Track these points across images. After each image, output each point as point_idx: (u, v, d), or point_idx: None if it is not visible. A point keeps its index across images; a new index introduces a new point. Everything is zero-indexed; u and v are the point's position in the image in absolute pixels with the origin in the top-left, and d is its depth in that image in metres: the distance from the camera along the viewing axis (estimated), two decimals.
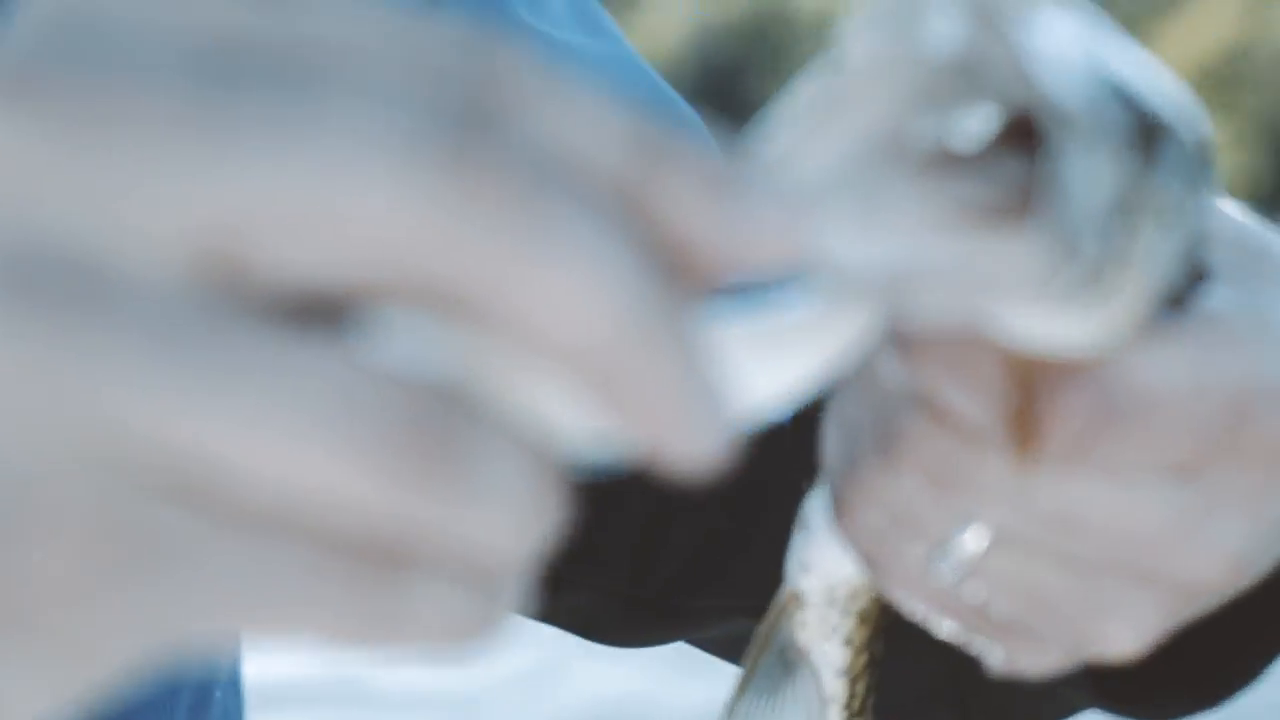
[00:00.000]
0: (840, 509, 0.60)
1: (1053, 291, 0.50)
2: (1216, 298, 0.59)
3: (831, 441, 0.61)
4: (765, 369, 0.46)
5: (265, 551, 0.36)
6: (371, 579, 0.36)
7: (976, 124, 0.53)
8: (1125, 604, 0.59)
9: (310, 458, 0.36)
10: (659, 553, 0.87)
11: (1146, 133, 0.53)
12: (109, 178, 0.37)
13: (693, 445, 0.39)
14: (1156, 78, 0.56)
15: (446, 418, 0.36)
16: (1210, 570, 0.58)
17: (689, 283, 0.40)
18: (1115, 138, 0.52)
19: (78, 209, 0.37)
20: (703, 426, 0.39)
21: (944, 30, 0.49)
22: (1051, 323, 0.53)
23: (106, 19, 0.38)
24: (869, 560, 0.60)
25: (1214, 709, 0.72)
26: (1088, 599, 0.58)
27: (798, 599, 0.68)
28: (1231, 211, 0.63)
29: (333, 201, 0.36)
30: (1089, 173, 0.51)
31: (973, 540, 0.59)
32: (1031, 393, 0.56)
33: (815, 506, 0.66)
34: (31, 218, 0.37)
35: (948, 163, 0.52)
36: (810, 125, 0.50)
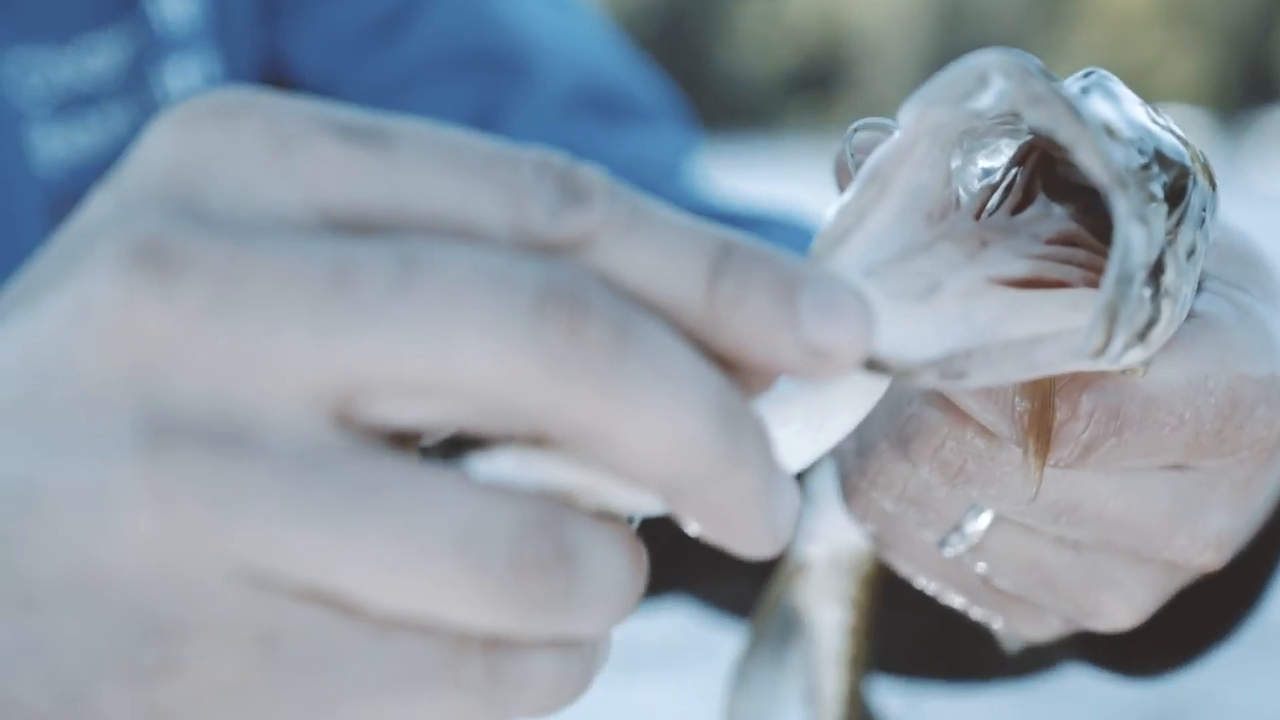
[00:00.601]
0: (852, 491, 0.62)
1: (1107, 355, 0.51)
2: (1209, 303, 0.61)
3: None
4: (807, 439, 0.49)
5: (404, 646, 0.40)
6: (495, 663, 0.41)
7: (1019, 186, 0.56)
8: (1120, 581, 0.62)
9: (436, 586, 0.40)
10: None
11: (1177, 186, 0.55)
12: (240, 346, 0.40)
13: (764, 543, 0.43)
14: (1169, 121, 0.58)
15: (553, 528, 0.41)
16: (1200, 552, 0.61)
17: (760, 386, 0.45)
18: (1160, 198, 0.53)
19: (212, 374, 0.40)
20: (772, 527, 0.43)
21: (997, 99, 0.50)
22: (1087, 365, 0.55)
23: (218, 190, 0.42)
24: (878, 539, 0.63)
25: (1188, 666, 0.75)
26: (1085, 576, 0.61)
27: (804, 565, 0.71)
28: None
29: (442, 362, 0.40)
30: (1143, 236, 0.51)
31: (980, 525, 0.61)
32: (1047, 399, 0.57)
33: (822, 481, 0.68)
34: (169, 383, 0.40)
35: (998, 229, 0.54)
36: (867, 199, 0.51)
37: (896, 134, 0.52)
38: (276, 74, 1.06)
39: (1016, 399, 0.57)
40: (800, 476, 0.68)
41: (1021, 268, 0.52)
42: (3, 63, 0.93)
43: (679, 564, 0.92)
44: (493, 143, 0.43)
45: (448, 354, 0.40)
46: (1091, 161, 0.49)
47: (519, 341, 0.40)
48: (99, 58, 0.97)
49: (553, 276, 0.41)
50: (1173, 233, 0.55)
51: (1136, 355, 0.55)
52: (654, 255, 0.43)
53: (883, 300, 0.50)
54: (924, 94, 0.51)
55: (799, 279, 0.44)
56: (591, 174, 0.43)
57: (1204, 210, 0.58)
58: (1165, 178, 0.54)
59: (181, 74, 1.00)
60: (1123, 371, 0.58)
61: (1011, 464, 0.58)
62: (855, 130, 0.56)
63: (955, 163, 0.55)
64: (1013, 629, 0.65)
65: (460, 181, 0.43)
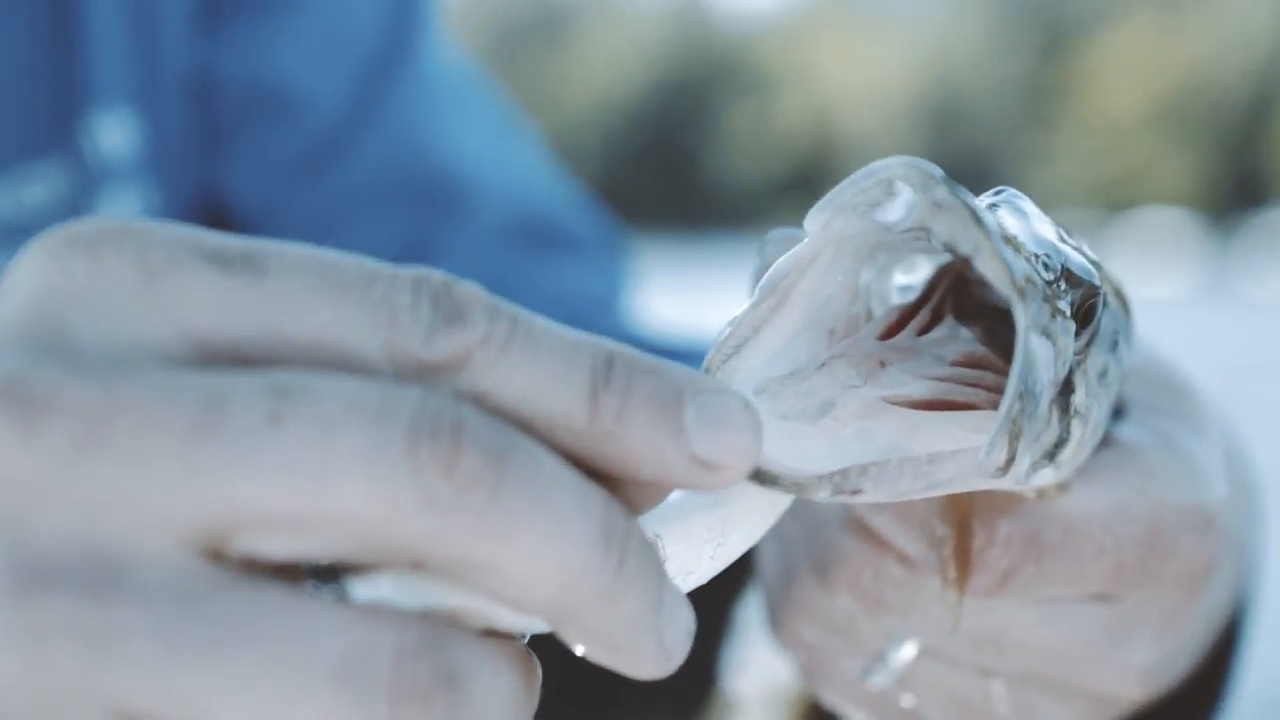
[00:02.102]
0: (776, 621, 0.61)
1: (1012, 473, 0.50)
2: (1131, 430, 0.60)
3: (767, 554, 0.62)
4: (705, 555, 0.48)
5: None
6: None
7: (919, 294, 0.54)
8: (1048, 715, 0.60)
9: (317, 719, 0.39)
10: None
11: (1086, 305, 0.54)
12: (107, 487, 0.39)
13: (654, 665, 0.43)
14: (1080, 242, 0.57)
15: (436, 651, 0.40)
16: (1127, 685, 0.60)
17: (653, 497, 0.45)
18: (1066, 315, 0.52)
19: (79, 516, 0.40)
20: (663, 650, 0.43)
21: (905, 211, 0.49)
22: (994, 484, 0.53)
23: (86, 323, 0.40)
24: (804, 670, 0.61)
25: None
26: (1013, 710, 0.60)
27: (733, 698, 0.69)
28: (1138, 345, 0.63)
29: (315, 500, 0.39)
30: (1046, 350, 0.51)
31: (904, 654, 0.60)
32: (965, 524, 0.56)
33: (749, 611, 0.66)
34: (37, 526, 0.39)
35: (901, 350, 0.52)
36: (764, 310, 0.51)
37: (801, 243, 0.51)
38: (215, 204, 1.06)
39: (935, 524, 0.57)
40: (729, 608, 0.66)
41: (922, 389, 0.52)
42: None
43: (604, 706, 0.90)
44: (368, 263, 0.43)
45: (321, 491, 0.40)
46: (991, 270, 0.49)
47: (393, 477, 0.40)
48: (35, 188, 0.96)
49: (427, 407, 0.41)
50: (1082, 353, 0.54)
51: (1047, 476, 0.54)
52: (534, 372, 0.42)
53: (773, 416, 0.49)
54: (829, 201, 0.50)
55: (685, 390, 0.43)
56: (470, 291, 0.42)
57: (1117, 334, 0.57)
58: (1072, 296, 0.53)
59: (119, 204, 0.99)
60: (1038, 495, 0.57)
61: (931, 592, 0.57)
62: (769, 239, 0.55)
63: (867, 277, 0.54)
64: None
65: (334, 305, 0.42)
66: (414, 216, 1.09)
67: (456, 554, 0.40)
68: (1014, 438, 0.49)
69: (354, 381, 0.40)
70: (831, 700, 0.62)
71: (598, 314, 1.08)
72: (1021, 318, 0.49)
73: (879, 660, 0.60)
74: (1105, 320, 0.55)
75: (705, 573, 0.48)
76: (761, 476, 0.47)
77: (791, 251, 0.51)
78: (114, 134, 1.02)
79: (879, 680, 0.60)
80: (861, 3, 36.51)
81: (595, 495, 0.42)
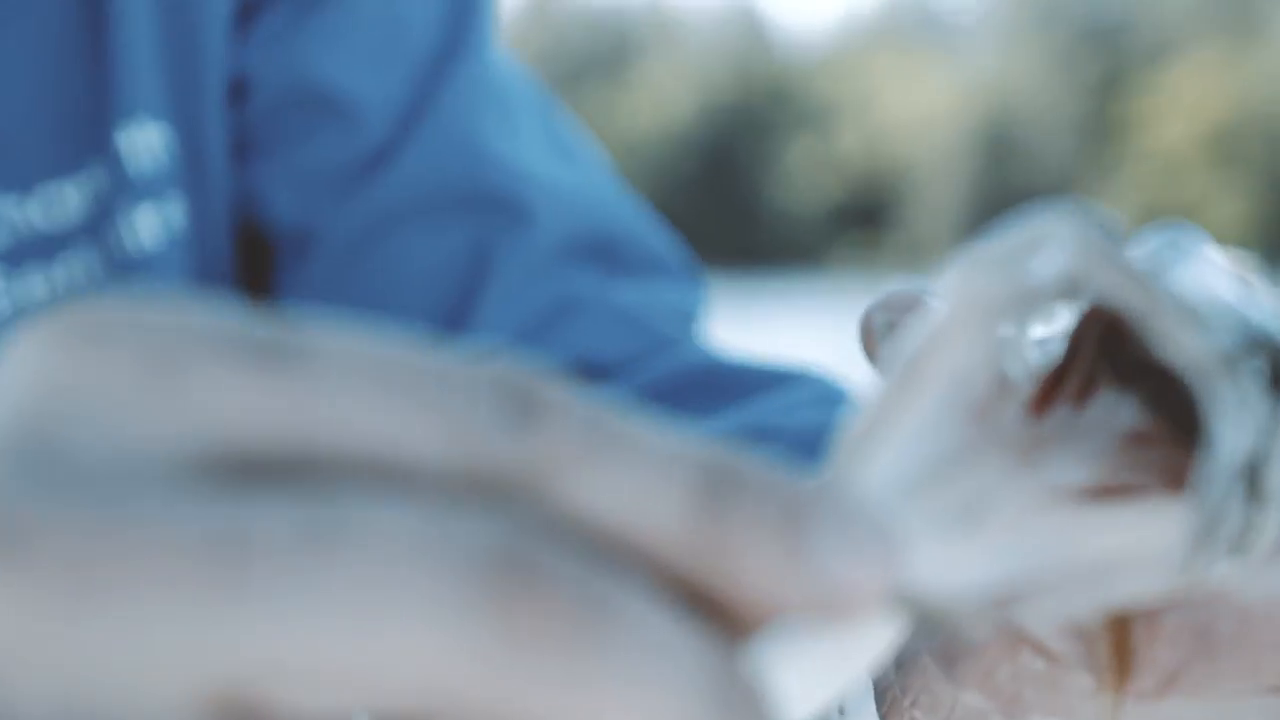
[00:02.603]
0: (891, 709, 0.56)
1: (1195, 569, 0.44)
2: None
3: None
4: (816, 686, 0.40)
5: None
6: None
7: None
8: None
9: None
10: None
11: (1275, 370, 0.47)
12: (101, 646, 0.33)
13: None
14: (1264, 288, 0.50)
15: None
16: None
17: (759, 633, 0.37)
18: (1260, 386, 0.46)
19: (69, 680, 0.33)
20: None
21: (1058, 272, 0.43)
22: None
23: (85, 430, 0.34)
24: None
25: None
26: None
27: None
28: None
29: (361, 655, 0.33)
30: (1239, 432, 0.44)
31: None
32: (1123, 618, 0.51)
33: (856, 696, 0.61)
34: (16, 692, 0.33)
35: (1058, 426, 0.46)
36: (898, 394, 0.43)
37: (936, 309, 0.43)
38: (251, 219, 1.04)
39: (1090, 618, 0.51)
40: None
41: (1092, 473, 0.45)
42: None
43: None
44: (437, 356, 0.35)
45: (368, 643, 0.33)
46: (1175, 345, 0.42)
47: (461, 624, 0.33)
48: (66, 201, 0.95)
49: (501, 535, 0.33)
50: (1274, 425, 0.46)
51: (1229, 568, 0.47)
52: (628, 486, 0.35)
53: (920, 525, 0.42)
54: (973, 261, 0.43)
55: (808, 503, 0.36)
56: (558, 387, 0.36)
57: None
58: (1260, 360, 0.46)
59: (151, 220, 0.97)
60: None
61: (1080, 692, 0.51)
62: (883, 303, 0.50)
63: (1005, 333, 0.45)
64: None
65: (393, 407, 0.35)
66: (473, 228, 1.04)
67: (538, 716, 0.33)
68: (1209, 536, 0.43)
69: (409, 508, 0.33)
70: None
71: (679, 329, 1.03)
72: (1220, 401, 0.43)
73: None
74: None
75: (820, 701, 0.41)
76: (902, 605, 0.40)
77: (927, 321, 0.43)
78: (146, 148, 1.00)
79: None
80: (921, 33, 36.42)
81: (702, 643, 0.35)
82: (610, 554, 0.35)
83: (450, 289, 1.06)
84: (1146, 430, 0.47)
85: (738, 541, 0.36)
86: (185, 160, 1.02)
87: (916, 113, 34.38)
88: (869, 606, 0.37)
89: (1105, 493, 0.44)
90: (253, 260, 1.09)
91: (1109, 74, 32.73)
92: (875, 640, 0.41)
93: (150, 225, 1.01)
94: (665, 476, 0.36)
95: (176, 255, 1.03)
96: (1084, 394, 0.48)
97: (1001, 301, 0.44)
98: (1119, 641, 0.50)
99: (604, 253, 1.07)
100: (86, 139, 0.99)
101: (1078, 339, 0.49)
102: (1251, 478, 0.46)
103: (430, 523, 0.33)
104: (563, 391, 0.36)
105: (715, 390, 1.02)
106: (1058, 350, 0.48)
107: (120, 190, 0.99)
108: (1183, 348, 0.43)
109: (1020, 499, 0.43)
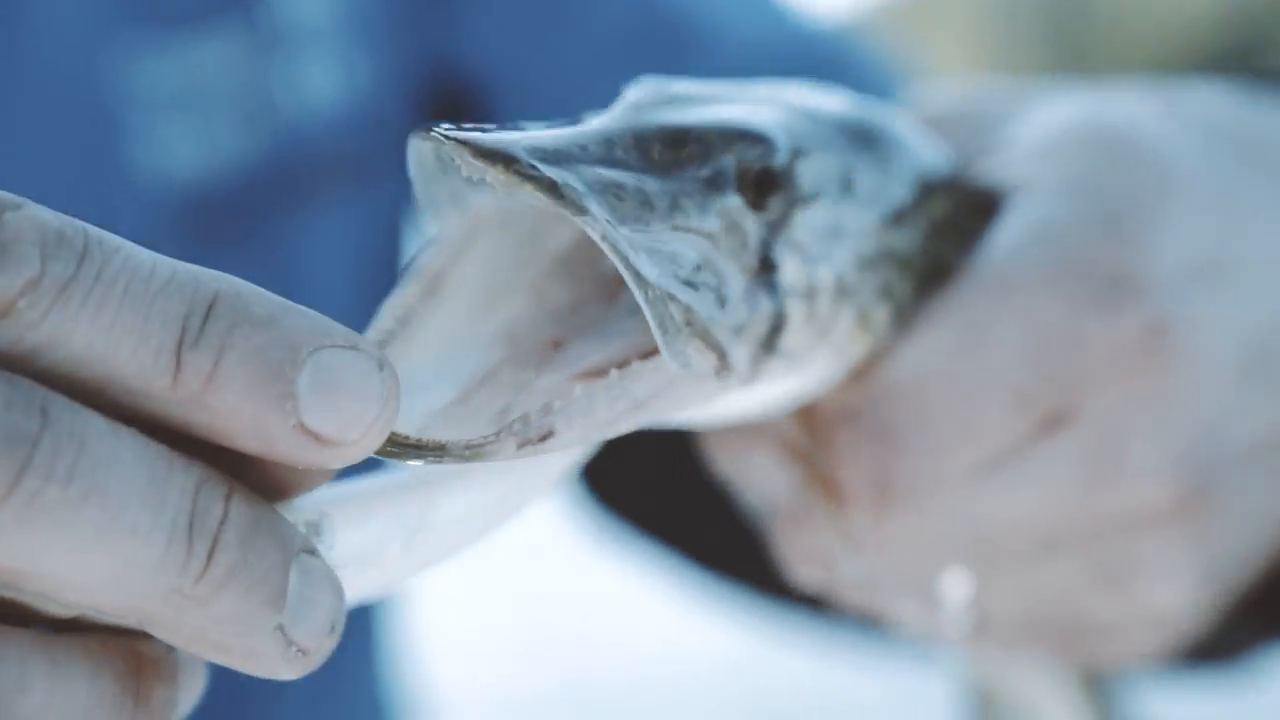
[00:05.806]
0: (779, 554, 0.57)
1: (735, 373, 0.45)
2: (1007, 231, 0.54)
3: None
4: (389, 543, 0.42)
5: None
6: None
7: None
8: (1156, 560, 0.54)
9: None
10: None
11: (753, 168, 0.48)
12: None
13: (278, 664, 0.38)
14: (749, 96, 0.51)
15: None
16: (1160, 488, 0.53)
17: (268, 485, 0.38)
18: (693, 193, 0.47)
19: None
20: (283, 647, 0.38)
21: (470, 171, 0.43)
22: (769, 391, 0.48)
23: None
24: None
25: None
26: (1103, 566, 0.54)
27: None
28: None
29: None
30: (686, 245, 0.46)
31: (953, 587, 0.56)
32: (808, 453, 0.51)
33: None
34: None
35: (579, 322, 0.47)
36: (412, 297, 0.45)
37: (451, 223, 0.46)
38: (444, 71, 1.00)
39: (784, 462, 0.53)
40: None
41: (610, 352, 0.46)
42: (111, 51, 0.87)
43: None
44: None
45: None
46: (524, 192, 0.43)
47: None
48: (206, 55, 0.91)
49: None
50: (780, 221, 0.47)
51: (777, 367, 0.47)
52: (101, 325, 0.34)
53: (428, 377, 0.43)
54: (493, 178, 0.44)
55: (302, 346, 0.35)
56: (25, 220, 0.34)
57: (850, 175, 0.50)
58: (715, 168, 0.47)
59: (307, 74, 0.93)
60: (854, 379, 0.51)
61: (826, 524, 0.53)
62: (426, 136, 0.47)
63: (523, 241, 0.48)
64: (1095, 661, 0.60)
65: None
66: (659, 61, 0.93)
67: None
68: (701, 334, 0.44)
69: None
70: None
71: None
72: (595, 229, 0.43)
73: (936, 604, 0.56)
74: (812, 172, 0.49)
75: (401, 566, 0.42)
76: (413, 449, 0.40)
77: (444, 231, 0.46)
78: None
79: (954, 627, 0.57)
80: None
81: (175, 478, 0.35)
82: (80, 394, 0.35)
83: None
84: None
85: (220, 380, 0.35)
86: (361, 10, 0.95)
87: None
88: (359, 454, 0.36)
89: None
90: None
91: None
92: (463, 504, 0.43)
93: (317, 75, 0.93)
94: (148, 311, 0.34)
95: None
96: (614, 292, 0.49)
97: (518, 213, 0.46)
98: (813, 471, 0.51)
99: (793, 61, 0.97)
100: None
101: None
102: (765, 276, 0.47)
103: None
104: (35, 221, 0.34)
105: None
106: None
107: (271, 41, 0.91)
108: (537, 198, 0.43)
109: (544, 393, 0.44)
